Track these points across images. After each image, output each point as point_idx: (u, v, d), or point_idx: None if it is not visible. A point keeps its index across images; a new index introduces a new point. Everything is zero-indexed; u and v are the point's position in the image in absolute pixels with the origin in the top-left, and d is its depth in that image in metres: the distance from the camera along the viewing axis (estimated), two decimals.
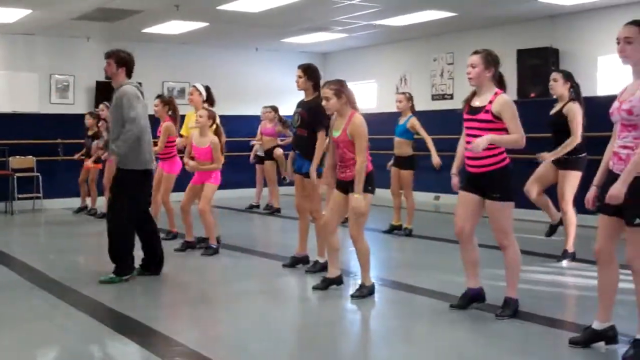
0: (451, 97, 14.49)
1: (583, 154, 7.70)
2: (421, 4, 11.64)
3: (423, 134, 9.70)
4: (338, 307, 6.28)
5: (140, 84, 7.41)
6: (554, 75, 7.92)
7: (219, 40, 15.25)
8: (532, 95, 12.02)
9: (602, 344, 4.81)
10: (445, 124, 13.21)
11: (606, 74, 11.44)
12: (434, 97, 14.83)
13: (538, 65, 11.98)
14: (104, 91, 13.25)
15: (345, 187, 6.31)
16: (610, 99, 4.79)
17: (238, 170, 13.55)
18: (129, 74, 7.15)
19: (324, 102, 6.41)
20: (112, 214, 7.04)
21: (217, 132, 8.52)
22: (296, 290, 7.00)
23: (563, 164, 7.71)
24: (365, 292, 6.35)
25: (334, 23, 13.25)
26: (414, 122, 9.73)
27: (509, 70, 12.97)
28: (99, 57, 14.37)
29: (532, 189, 7.91)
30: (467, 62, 5.65)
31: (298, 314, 6.16)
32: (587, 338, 4.81)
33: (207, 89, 9.18)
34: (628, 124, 4.46)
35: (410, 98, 9.96)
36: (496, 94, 5.50)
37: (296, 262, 7.65)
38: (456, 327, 5.53)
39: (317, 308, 6.30)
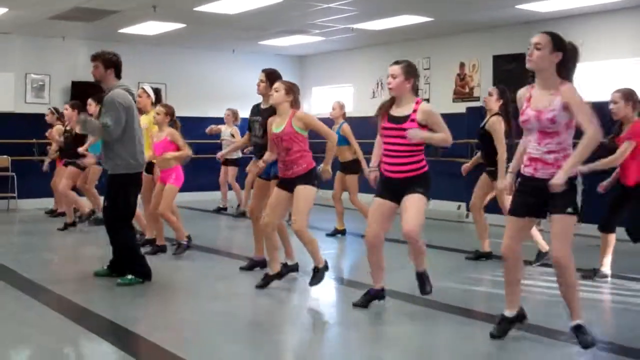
0: (427, 101, 14.50)
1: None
2: (398, 8, 11.70)
3: (353, 142, 9.81)
4: (305, 308, 6.32)
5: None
6: (490, 89, 8.25)
7: (195, 41, 15.23)
8: None
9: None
10: None
11: (581, 81, 11.55)
12: None
13: (514, 70, 12.07)
14: (79, 91, 13.21)
15: (289, 184, 6.49)
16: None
17: (216, 172, 13.51)
18: (118, 75, 6.99)
19: (272, 92, 6.56)
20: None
21: (175, 128, 8.41)
22: (269, 291, 6.93)
23: (495, 174, 7.90)
24: (321, 275, 6.57)
25: (311, 26, 13.29)
26: (346, 128, 9.84)
27: (486, 75, 13.13)
28: (75, 57, 14.54)
29: (476, 205, 8.33)
30: (388, 71, 5.75)
31: (270, 314, 6.16)
32: (505, 328, 5.10)
33: (157, 91, 9.02)
34: (551, 132, 4.70)
35: (342, 106, 10.15)
36: (417, 102, 5.66)
37: (254, 265, 7.63)
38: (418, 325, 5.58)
39: (287, 308, 6.32)
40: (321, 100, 16.99)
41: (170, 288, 7.14)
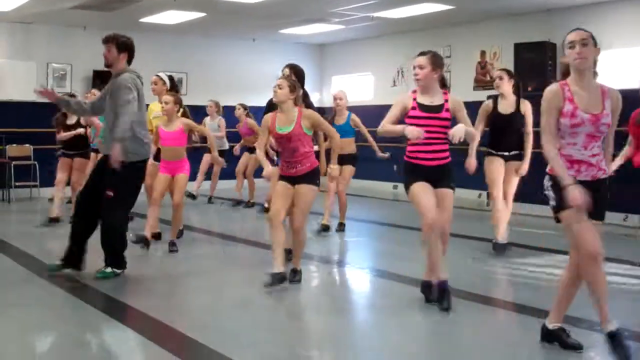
0: (448, 89, 14.49)
1: None
2: None
3: (364, 129, 9.59)
4: (324, 294, 6.34)
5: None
6: (499, 73, 8.12)
7: (216, 30, 15.26)
8: (529, 89, 12.06)
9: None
10: None
11: (603, 69, 11.46)
12: None
13: (535, 59, 12.01)
14: (101, 80, 13.26)
15: (290, 180, 6.43)
16: None
17: (234, 161, 13.48)
18: (130, 61, 6.79)
19: (275, 89, 6.42)
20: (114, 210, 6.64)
21: (184, 116, 8.24)
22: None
23: (512, 157, 7.93)
24: (299, 278, 6.54)
25: (331, 15, 13.27)
26: (355, 118, 9.54)
27: (507, 63, 13.03)
28: (96, 47, 14.25)
29: (499, 194, 8.07)
30: (414, 63, 5.76)
31: (289, 301, 6.19)
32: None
33: (171, 78, 8.89)
34: (600, 136, 4.52)
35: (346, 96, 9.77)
36: (445, 93, 5.78)
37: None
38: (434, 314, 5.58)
39: (307, 295, 6.34)
40: (341, 89, 16.95)
41: (190, 275, 7.20)
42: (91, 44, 14.56)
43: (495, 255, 7.95)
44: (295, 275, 6.55)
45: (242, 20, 13.92)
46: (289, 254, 6.82)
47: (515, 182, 7.97)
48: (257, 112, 12.76)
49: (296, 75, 7.29)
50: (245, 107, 12.59)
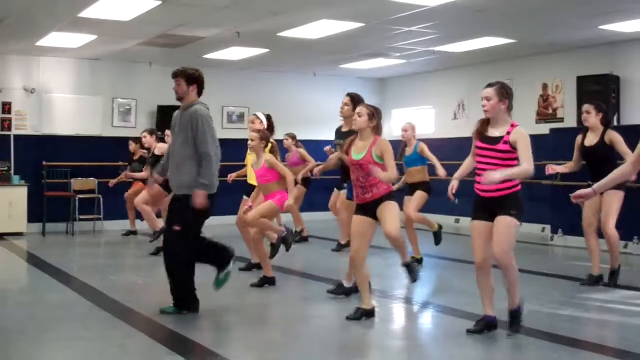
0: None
1: None
2: (480, 31, 11.62)
3: (433, 158, 9.57)
4: (391, 333, 6.28)
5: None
6: (587, 107, 8.16)
7: (278, 66, 15.42)
8: None
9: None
10: None
11: None
12: None
13: (599, 92, 11.81)
14: (165, 115, 13.51)
15: (367, 209, 6.44)
16: None
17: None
18: (200, 93, 6.84)
19: (355, 117, 6.56)
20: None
21: (272, 151, 8.21)
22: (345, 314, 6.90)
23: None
24: (359, 315, 6.45)
25: (392, 50, 13.30)
26: (423, 146, 9.60)
27: (569, 96, 12.89)
28: (161, 82, 14.82)
29: (590, 225, 8.06)
30: (482, 94, 5.86)
31: (355, 339, 6.14)
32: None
33: (269, 117, 8.95)
34: None
35: (414, 127, 9.86)
36: (513, 125, 5.75)
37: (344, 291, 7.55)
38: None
39: (374, 333, 6.29)
40: (402, 122, 16.91)
41: (255, 310, 7.20)
42: (156, 80, 14.93)
43: (588, 286, 8.01)
44: (356, 313, 6.47)
45: (303, 56, 14.05)
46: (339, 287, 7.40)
47: (611, 213, 7.84)
48: (318, 145, 12.81)
49: (357, 104, 7.32)
50: (293, 137, 12.48)
